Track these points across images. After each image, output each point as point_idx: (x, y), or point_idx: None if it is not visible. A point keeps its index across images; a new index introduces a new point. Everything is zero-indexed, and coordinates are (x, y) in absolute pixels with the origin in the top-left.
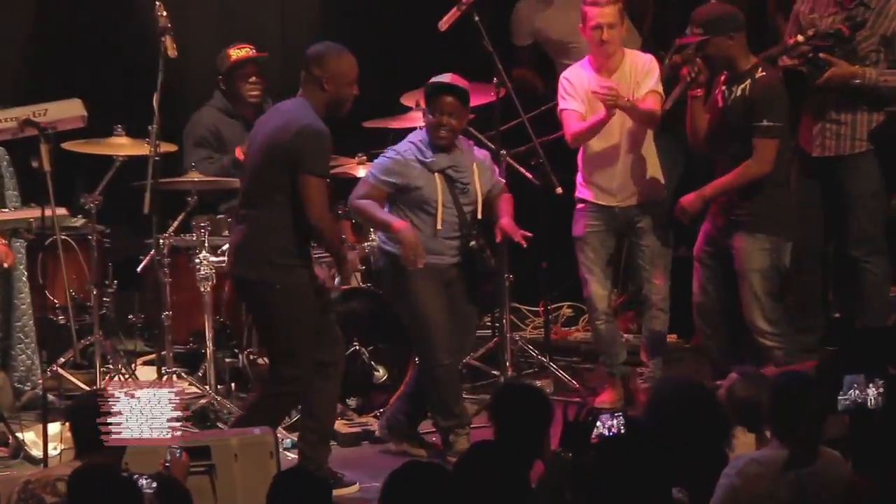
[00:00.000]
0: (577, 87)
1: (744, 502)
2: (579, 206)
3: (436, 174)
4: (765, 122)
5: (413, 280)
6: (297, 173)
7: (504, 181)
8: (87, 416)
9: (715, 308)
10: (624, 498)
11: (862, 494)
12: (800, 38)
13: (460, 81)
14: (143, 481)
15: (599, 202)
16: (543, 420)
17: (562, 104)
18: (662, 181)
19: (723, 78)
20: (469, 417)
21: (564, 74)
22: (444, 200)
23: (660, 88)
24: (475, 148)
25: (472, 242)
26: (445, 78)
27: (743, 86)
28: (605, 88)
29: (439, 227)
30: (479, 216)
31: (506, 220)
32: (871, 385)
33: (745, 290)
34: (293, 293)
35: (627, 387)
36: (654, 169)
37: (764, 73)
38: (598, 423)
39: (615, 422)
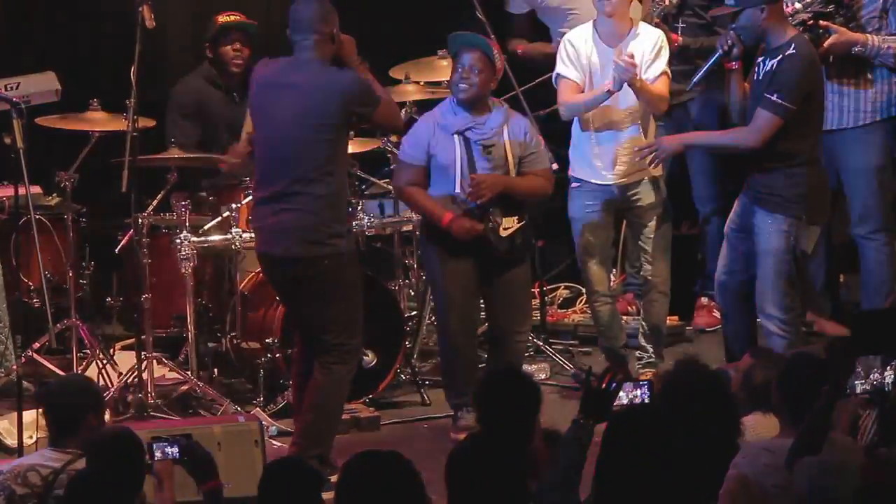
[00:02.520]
0: (578, 54)
1: (754, 493)
2: (574, 185)
3: (454, 136)
4: (774, 97)
5: (437, 251)
6: (360, 124)
7: (547, 163)
8: (63, 401)
9: (736, 289)
10: (634, 470)
11: (877, 481)
12: (798, 5)
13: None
14: (167, 448)
15: (596, 181)
16: (531, 406)
17: (559, 69)
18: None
19: (759, 52)
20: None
21: (567, 37)
22: (463, 164)
23: (668, 70)
24: (512, 112)
25: (491, 209)
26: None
27: (774, 61)
28: (628, 61)
29: (457, 190)
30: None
31: (486, 176)
32: (888, 367)
33: (759, 269)
34: (354, 257)
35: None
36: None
37: (794, 51)
38: (622, 393)
39: (639, 392)
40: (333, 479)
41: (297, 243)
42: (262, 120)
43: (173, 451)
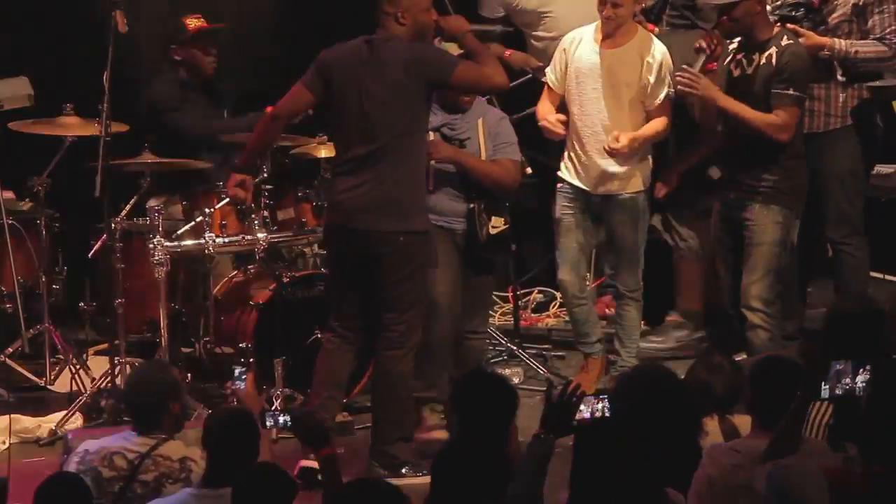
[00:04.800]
0: (566, 55)
1: (719, 493)
2: (558, 184)
3: (430, 133)
4: (791, 91)
5: None
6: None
7: (516, 156)
8: (147, 391)
9: (724, 292)
10: (605, 486)
11: (848, 485)
12: (768, 7)
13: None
14: (280, 418)
15: (576, 183)
16: (507, 410)
17: (548, 68)
18: (648, 172)
19: (733, 46)
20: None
21: (567, 35)
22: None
23: (672, 91)
24: (487, 105)
25: (472, 205)
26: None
27: (767, 53)
28: (614, 147)
29: (430, 186)
30: None
31: (449, 147)
32: (859, 372)
33: (748, 261)
34: (429, 237)
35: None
36: (638, 160)
37: (791, 42)
38: (582, 406)
39: (600, 405)
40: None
41: (386, 216)
42: (345, 97)
43: (285, 419)
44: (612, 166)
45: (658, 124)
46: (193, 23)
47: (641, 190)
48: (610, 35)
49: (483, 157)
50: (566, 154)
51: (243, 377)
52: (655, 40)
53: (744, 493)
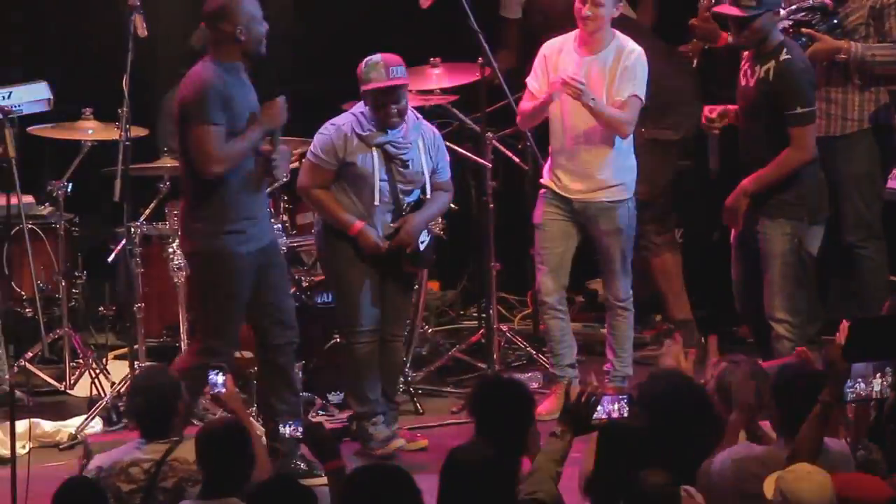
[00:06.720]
0: (546, 62)
1: (730, 496)
2: (541, 191)
3: (373, 148)
4: (798, 110)
5: (344, 252)
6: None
7: (449, 174)
8: (154, 397)
9: (744, 295)
10: (622, 482)
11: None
12: (781, 12)
13: (394, 62)
14: (288, 429)
15: (558, 191)
16: (525, 415)
17: (529, 77)
18: (633, 179)
19: (747, 54)
20: (384, 406)
21: (546, 44)
22: (381, 175)
23: (641, 92)
24: (424, 124)
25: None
26: (380, 71)
27: (767, 66)
28: (567, 81)
29: (376, 202)
30: (428, 193)
31: (410, 219)
32: (878, 375)
33: (765, 275)
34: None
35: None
36: (622, 167)
37: (789, 56)
38: (600, 407)
39: (617, 406)
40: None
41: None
42: None
43: (299, 430)
44: (597, 174)
45: (617, 112)
46: None
47: (627, 198)
48: (588, 41)
49: (426, 177)
50: (549, 161)
51: (222, 379)
52: (630, 43)
53: (754, 500)
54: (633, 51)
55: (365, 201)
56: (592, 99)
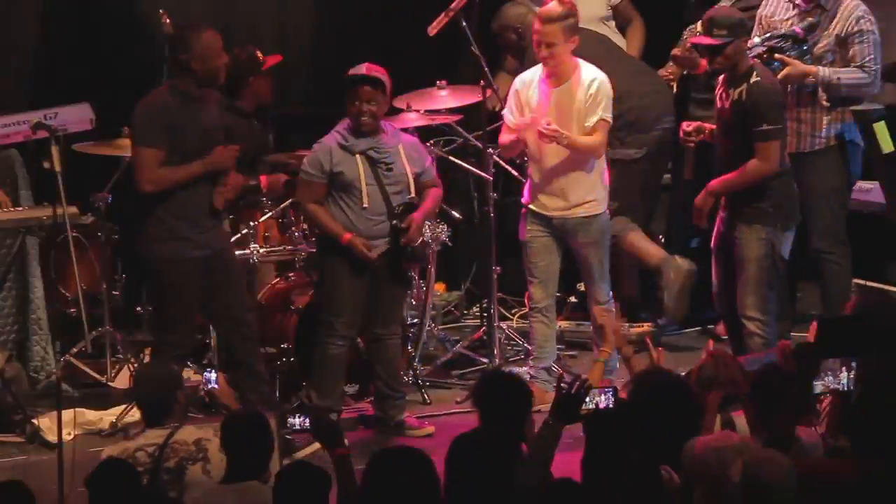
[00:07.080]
0: (519, 96)
1: (709, 482)
2: (523, 209)
3: (357, 156)
4: (764, 127)
5: (335, 255)
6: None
7: (434, 173)
8: (155, 390)
9: (724, 299)
10: (611, 469)
11: (836, 477)
12: (756, 39)
13: (376, 69)
14: (296, 419)
15: (538, 210)
16: (523, 406)
17: (505, 110)
18: (605, 194)
19: (721, 79)
20: (342, 404)
21: (517, 78)
22: (368, 180)
23: (608, 115)
24: (402, 133)
25: (395, 221)
26: (361, 69)
27: (740, 90)
28: (544, 133)
29: (365, 204)
30: (413, 193)
31: (416, 216)
32: (844, 369)
33: (740, 276)
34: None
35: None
36: (595, 184)
37: (759, 79)
38: (588, 399)
39: (604, 397)
40: None
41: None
42: None
43: (306, 421)
44: (573, 193)
45: (590, 140)
46: (269, 58)
47: (601, 212)
48: (553, 74)
49: (410, 179)
50: (528, 183)
51: (215, 376)
52: (594, 70)
53: (727, 483)
54: (596, 78)
55: (354, 207)
56: (567, 137)
